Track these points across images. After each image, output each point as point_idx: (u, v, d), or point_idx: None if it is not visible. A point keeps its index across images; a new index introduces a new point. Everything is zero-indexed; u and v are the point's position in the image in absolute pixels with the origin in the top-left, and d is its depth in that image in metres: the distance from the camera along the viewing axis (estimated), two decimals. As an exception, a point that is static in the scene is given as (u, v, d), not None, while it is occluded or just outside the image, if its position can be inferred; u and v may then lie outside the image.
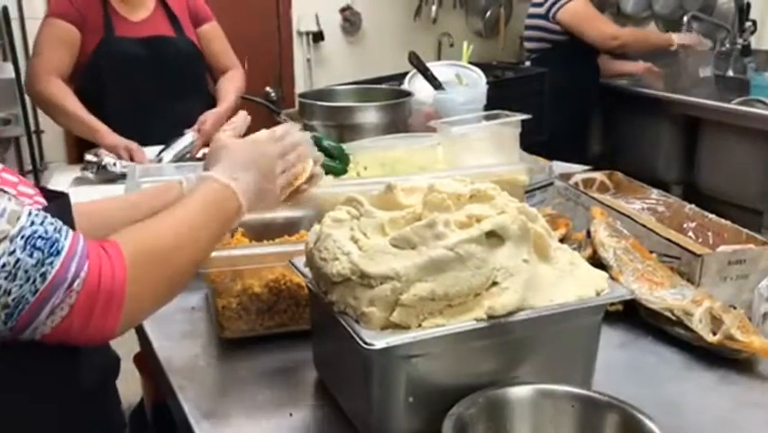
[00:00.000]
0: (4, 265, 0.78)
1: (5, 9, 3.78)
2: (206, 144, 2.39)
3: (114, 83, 2.41)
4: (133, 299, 0.86)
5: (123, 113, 2.43)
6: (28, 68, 2.49)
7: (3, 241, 0.78)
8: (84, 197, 1.13)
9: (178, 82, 2.52)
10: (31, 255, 0.79)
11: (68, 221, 0.90)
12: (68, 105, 2.40)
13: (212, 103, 2.63)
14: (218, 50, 2.67)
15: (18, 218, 0.80)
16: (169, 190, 1.19)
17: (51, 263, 0.80)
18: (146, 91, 2.49)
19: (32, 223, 0.81)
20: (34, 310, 0.80)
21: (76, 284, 0.81)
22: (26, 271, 0.79)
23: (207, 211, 1.00)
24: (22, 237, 0.79)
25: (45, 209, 0.88)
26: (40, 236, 0.80)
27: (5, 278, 0.78)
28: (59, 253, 0.81)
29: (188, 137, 2.35)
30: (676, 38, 3.76)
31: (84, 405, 0.95)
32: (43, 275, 0.80)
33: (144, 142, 2.33)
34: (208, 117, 2.46)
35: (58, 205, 0.92)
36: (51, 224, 0.83)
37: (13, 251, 0.78)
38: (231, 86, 2.65)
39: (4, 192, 0.82)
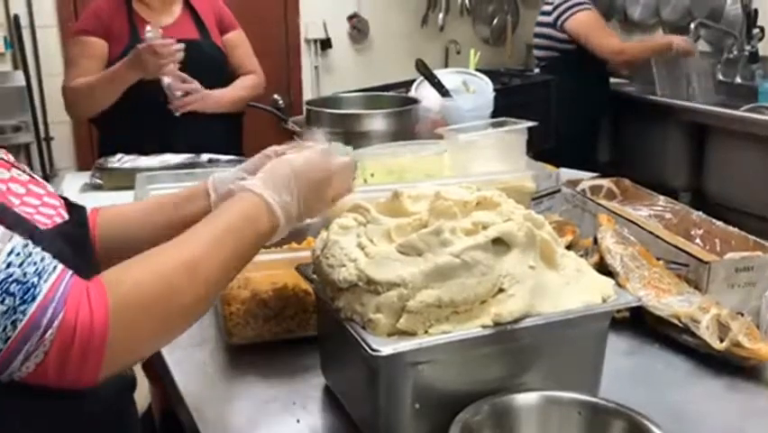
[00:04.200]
0: None
1: (16, 17, 3.82)
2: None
3: (140, 88, 2.42)
4: (118, 346, 0.79)
5: (150, 118, 2.44)
6: (63, 91, 2.53)
7: None
8: (93, 203, 1.14)
9: (203, 85, 2.53)
10: (2, 301, 0.74)
11: (85, 236, 0.89)
12: (89, 81, 2.42)
13: (239, 110, 2.66)
14: (241, 58, 2.68)
15: None
16: (194, 199, 1.12)
17: (24, 311, 0.75)
18: None
19: (9, 265, 0.76)
20: (6, 357, 0.75)
21: (48, 334, 0.75)
22: None
23: (235, 237, 0.90)
24: None
25: (61, 226, 0.87)
26: (15, 280, 0.75)
27: None
28: (33, 299, 0.75)
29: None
30: (675, 41, 3.75)
31: (96, 423, 0.92)
32: (14, 323, 0.75)
33: (170, 148, 2.34)
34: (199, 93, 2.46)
35: (75, 221, 0.91)
36: (34, 263, 0.77)
37: None
38: (238, 83, 2.65)
39: None
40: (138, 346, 0.83)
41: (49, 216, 0.92)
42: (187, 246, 0.87)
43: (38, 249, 0.79)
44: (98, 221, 1.09)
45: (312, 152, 1.04)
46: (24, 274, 0.76)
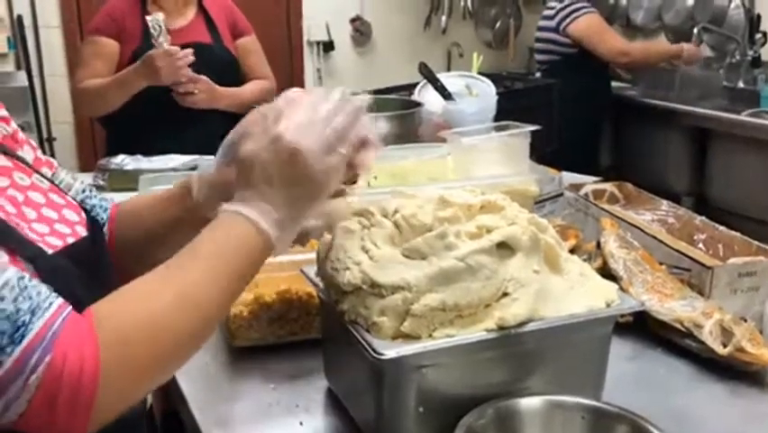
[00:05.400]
0: None
1: (20, 18, 3.83)
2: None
3: (151, 90, 2.42)
4: (110, 389, 0.71)
5: (159, 117, 2.45)
6: (72, 91, 2.55)
7: None
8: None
9: None
10: None
11: (99, 253, 0.87)
12: (100, 83, 2.45)
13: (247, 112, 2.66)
14: (254, 63, 2.71)
15: None
16: (180, 200, 1.04)
17: (10, 353, 0.67)
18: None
19: (2, 299, 0.68)
20: None
21: (31, 380, 0.68)
22: None
23: (226, 262, 0.81)
24: None
25: (72, 246, 0.84)
26: (6, 317, 0.68)
27: None
28: (22, 339, 0.68)
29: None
30: (686, 47, 3.76)
31: None
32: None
33: (179, 147, 2.33)
34: (207, 83, 2.47)
35: (91, 238, 0.88)
36: (30, 298, 0.70)
37: None
38: (251, 86, 2.67)
39: None
40: (132, 387, 0.76)
41: (62, 234, 0.86)
42: (176, 280, 0.79)
43: (35, 281, 0.72)
44: (116, 216, 1.08)
45: (264, 132, 0.88)
46: (17, 310, 0.69)
